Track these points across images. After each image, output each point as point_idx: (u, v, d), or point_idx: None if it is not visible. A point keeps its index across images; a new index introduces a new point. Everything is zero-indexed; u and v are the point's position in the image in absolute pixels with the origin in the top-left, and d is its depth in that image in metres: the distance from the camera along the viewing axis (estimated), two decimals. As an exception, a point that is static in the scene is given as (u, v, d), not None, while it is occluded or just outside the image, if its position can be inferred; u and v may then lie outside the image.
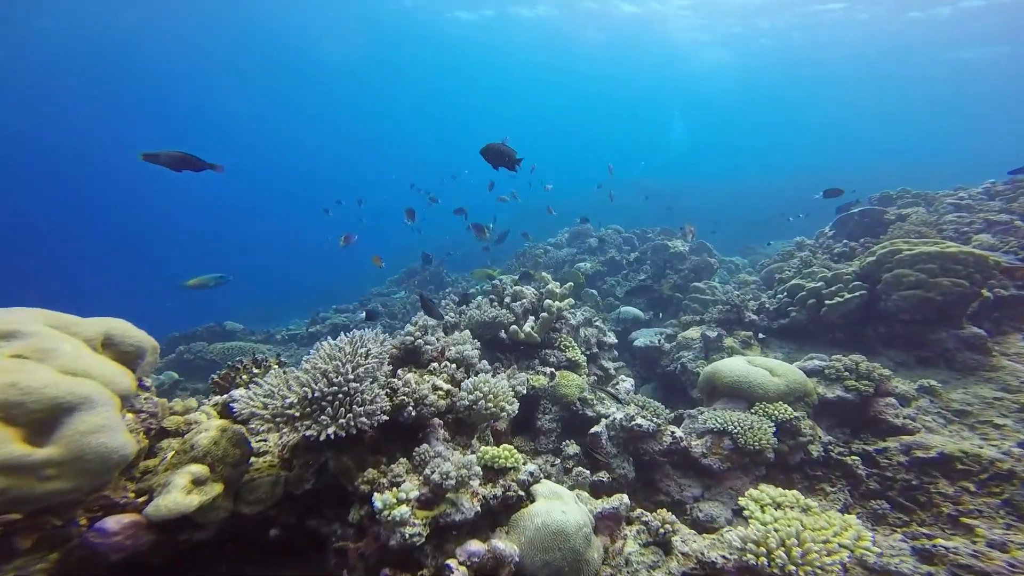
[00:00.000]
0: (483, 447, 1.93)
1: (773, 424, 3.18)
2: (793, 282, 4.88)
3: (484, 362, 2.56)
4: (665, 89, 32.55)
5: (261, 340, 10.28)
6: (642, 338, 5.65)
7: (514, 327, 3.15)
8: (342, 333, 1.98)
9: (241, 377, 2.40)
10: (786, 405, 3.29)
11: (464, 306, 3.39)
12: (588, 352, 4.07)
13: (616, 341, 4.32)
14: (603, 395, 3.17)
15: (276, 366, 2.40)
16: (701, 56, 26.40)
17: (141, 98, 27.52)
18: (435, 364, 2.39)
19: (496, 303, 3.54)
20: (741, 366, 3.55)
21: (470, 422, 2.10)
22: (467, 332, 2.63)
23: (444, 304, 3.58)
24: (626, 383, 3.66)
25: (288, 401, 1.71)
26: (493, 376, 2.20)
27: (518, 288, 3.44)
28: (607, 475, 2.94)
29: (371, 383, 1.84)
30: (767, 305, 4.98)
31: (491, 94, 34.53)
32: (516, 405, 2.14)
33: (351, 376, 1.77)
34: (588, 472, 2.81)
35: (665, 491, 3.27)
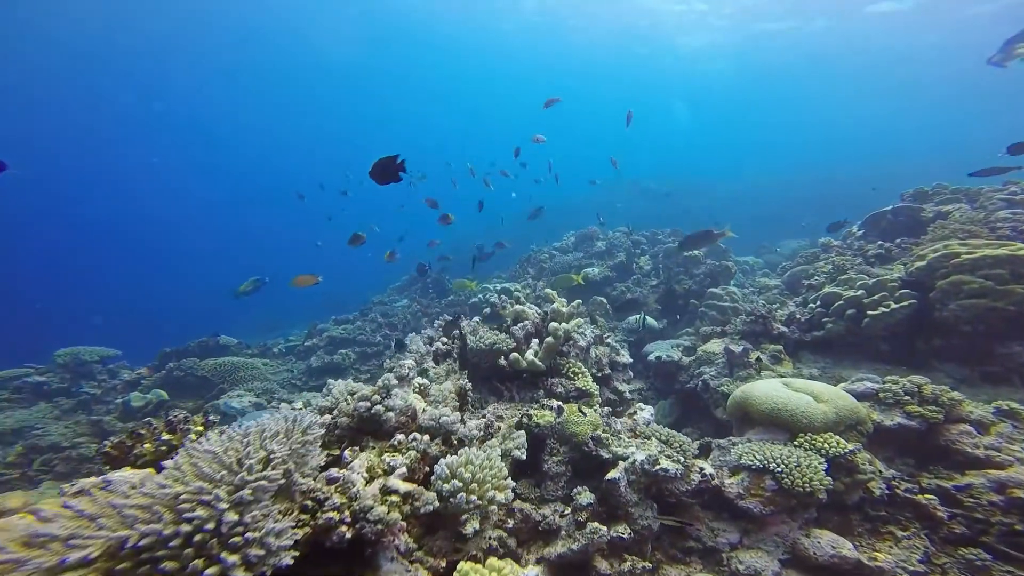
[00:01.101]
0: (463, 564, 1.40)
1: (823, 459, 2.69)
2: (827, 290, 4.37)
3: (472, 423, 1.98)
4: (661, 83, 31.89)
5: (256, 354, 9.92)
6: (658, 351, 5.17)
7: (514, 355, 2.69)
8: (262, 415, 1.43)
9: (143, 447, 1.81)
10: (837, 437, 2.80)
11: (456, 328, 2.95)
12: (600, 373, 3.61)
13: (631, 360, 3.85)
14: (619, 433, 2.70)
15: (196, 435, 1.87)
16: (695, 48, 25.80)
17: (132, 100, 27.25)
18: (401, 436, 1.88)
19: (495, 325, 3.09)
20: (779, 392, 3.06)
21: (447, 515, 1.63)
22: (448, 385, 2.13)
23: (436, 326, 3.14)
24: (644, 412, 3.19)
25: (71, 559, 0.94)
26: (482, 442, 1.73)
27: (519, 308, 2.99)
28: (627, 529, 2.47)
29: (268, 507, 1.22)
30: (797, 315, 4.47)
31: (483, 93, 34.13)
32: (511, 489, 1.63)
33: (225, 504, 1.11)
34: (605, 529, 2.33)
35: (695, 536, 2.79)
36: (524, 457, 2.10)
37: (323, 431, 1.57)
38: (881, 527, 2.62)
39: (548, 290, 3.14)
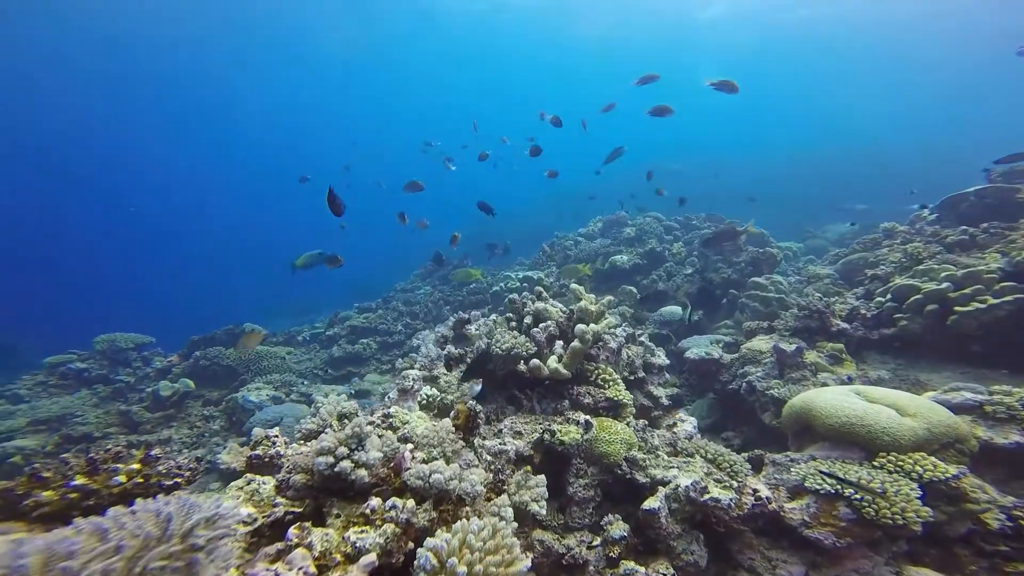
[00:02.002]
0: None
1: (916, 485, 2.23)
2: (900, 282, 3.77)
3: (474, 475, 1.50)
4: (682, 60, 29.85)
5: (281, 342, 10.01)
6: (696, 348, 4.69)
7: (535, 361, 2.33)
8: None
9: (41, 494, 1.33)
10: (932, 458, 2.31)
11: (468, 326, 2.61)
12: (632, 376, 3.21)
13: (667, 362, 3.42)
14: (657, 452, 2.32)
15: (128, 475, 1.44)
16: (716, 15, 23.81)
17: (152, 89, 27.69)
18: (376, 502, 1.38)
19: (514, 322, 2.73)
20: (852, 403, 2.58)
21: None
22: (446, 423, 1.65)
23: (449, 325, 2.82)
24: (686, 425, 2.79)
25: None
26: (490, 494, 1.36)
27: (540, 306, 2.61)
28: (668, 567, 2.10)
29: None
30: (861, 310, 3.89)
31: (494, 81, 33.08)
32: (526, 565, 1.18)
33: None
34: (643, 571, 1.98)
35: (747, 566, 2.40)
36: (543, 512, 1.74)
37: (247, 516, 1.20)
38: (1005, 566, 2.14)
39: (575, 286, 2.74)
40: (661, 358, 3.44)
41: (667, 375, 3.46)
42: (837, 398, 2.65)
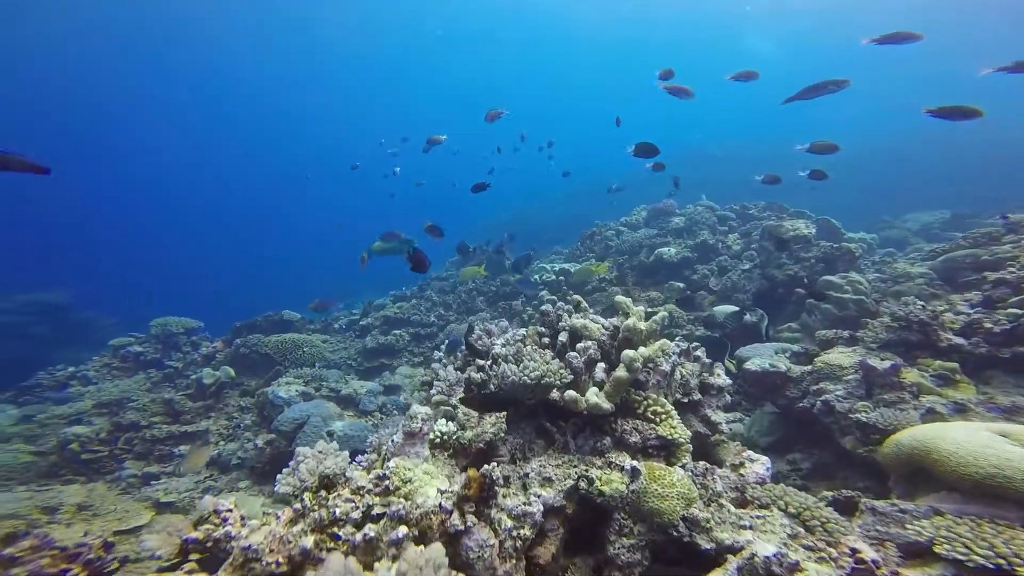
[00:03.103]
0: None
1: None
2: (1040, 288, 2.98)
3: None
4: (728, 37, 27.10)
5: (319, 329, 10.15)
6: (758, 360, 4.08)
7: (571, 393, 1.92)
8: None
9: None
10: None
11: (487, 337, 2.23)
12: (686, 399, 2.72)
13: (729, 382, 2.89)
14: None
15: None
16: None
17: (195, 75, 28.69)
18: None
19: (547, 338, 2.32)
20: (1000, 448, 1.97)
21: None
22: (438, 552, 1.15)
23: (472, 338, 2.44)
24: (757, 465, 2.28)
25: None
26: None
27: (579, 322, 2.17)
28: (737, 662, 1.67)
29: None
30: (986, 323, 3.13)
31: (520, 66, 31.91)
32: None
33: None
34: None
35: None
36: None
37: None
38: None
39: (621, 298, 2.28)
40: (722, 377, 2.92)
41: (728, 397, 2.93)
42: (975, 440, 2.04)
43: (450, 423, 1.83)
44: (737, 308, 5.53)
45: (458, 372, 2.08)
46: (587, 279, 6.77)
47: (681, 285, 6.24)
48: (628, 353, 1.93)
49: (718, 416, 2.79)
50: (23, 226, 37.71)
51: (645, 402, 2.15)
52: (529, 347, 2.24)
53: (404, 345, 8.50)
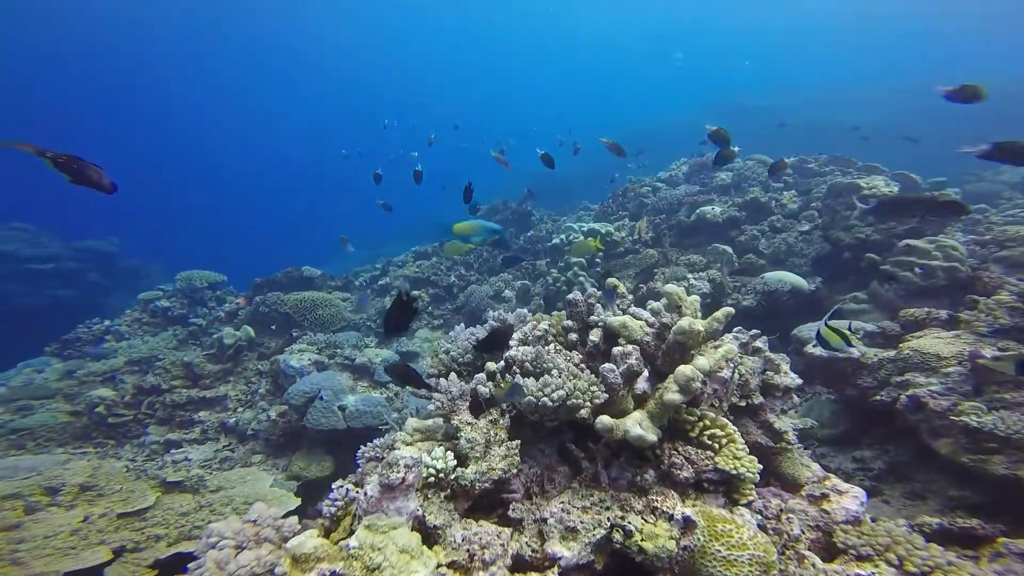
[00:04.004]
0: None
1: None
2: None
3: None
4: None
5: (339, 286, 9.97)
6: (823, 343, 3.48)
7: (605, 420, 1.45)
8: None
9: None
10: None
11: (490, 334, 1.75)
12: (745, 403, 2.23)
13: (799, 382, 2.36)
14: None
15: None
16: None
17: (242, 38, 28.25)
18: None
19: (574, 333, 1.82)
20: None
21: None
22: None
23: (478, 336, 1.98)
24: (847, 500, 1.81)
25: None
26: None
27: (616, 320, 1.66)
28: None
29: None
30: None
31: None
32: None
33: None
34: None
35: None
36: None
37: None
38: None
39: (671, 288, 1.73)
40: (789, 376, 2.38)
41: (796, 398, 2.41)
42: None
43: (448, 455, 1.42)
44: (793, 275, 4.83)
45: (462, 382, 1.65)
46: (585, 254, 6.02)
47: (728, 249, 5.50)
48: (684, 372, 1.42)
49: (784, 423, 2.28)
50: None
51: (700, 423, 1.66)
52: (552, 348, 1.76)
53: (423, 307, 8.22)
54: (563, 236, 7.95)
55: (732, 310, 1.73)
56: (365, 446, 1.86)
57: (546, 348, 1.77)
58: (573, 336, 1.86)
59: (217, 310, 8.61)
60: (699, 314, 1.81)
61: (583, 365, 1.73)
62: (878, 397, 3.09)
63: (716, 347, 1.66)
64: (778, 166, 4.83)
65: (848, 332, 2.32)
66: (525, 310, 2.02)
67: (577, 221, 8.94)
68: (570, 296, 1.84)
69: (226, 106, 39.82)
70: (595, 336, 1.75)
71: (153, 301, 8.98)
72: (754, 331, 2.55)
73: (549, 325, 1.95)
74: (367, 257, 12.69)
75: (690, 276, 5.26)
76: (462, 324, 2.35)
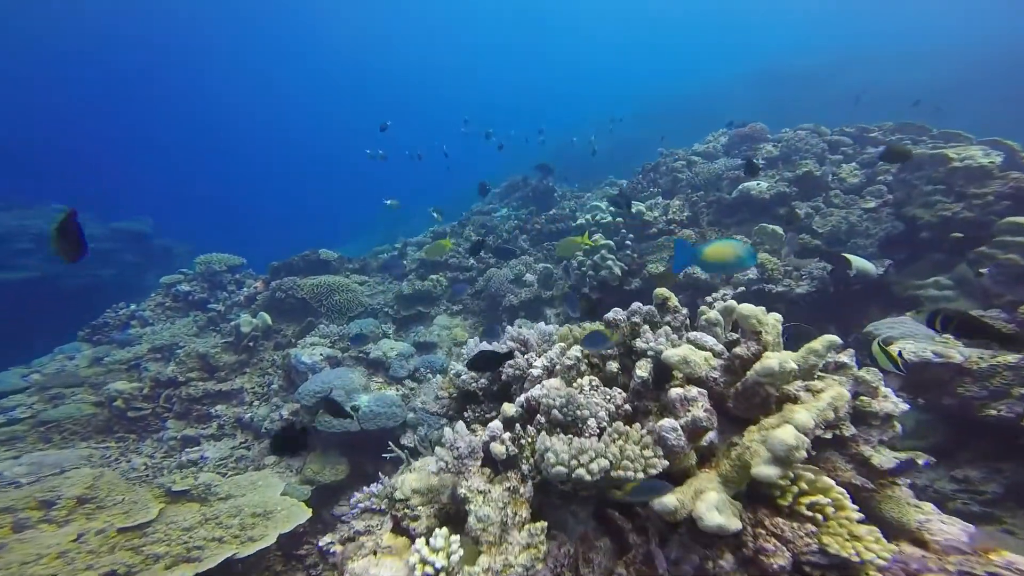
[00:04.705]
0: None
1: None
2: None
3: None
4: None
5: (356, 269, 9.75)
6: (913, 344, 2.93)
7: (669, 501, 1.03)
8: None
9: None
10: None
11: (520, 353, 1.34)
12: (831, 434, 1.78)
13: (906, 407, 1.88)
14: None
15: None
16: None
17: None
18: None
19: (613, 361, 1.39)
20: None
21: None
22: None
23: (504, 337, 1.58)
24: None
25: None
26: None
27: (676, 355, 1.21)
28: None
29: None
30: None
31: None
32: None
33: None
34: None
35: None
36: None
37: None
38: None
39: (746, 308, 1.27)
40: (890, 401, 1.90)
41: (899, 427, 1.93)
42: None
43: (453, 542, 1.05)
44: (859, 258, 4.19)
45: (471, 433, 1.26)
46: (569, 254, 5.31)
47: (778, 229, 4.85)
48: (784, 440, 0.98)
49: (884, 458, 1.82)
50: (104, 156, 41.01)
51: (795, 488, 1.22)
52: (585, 384, 1.34)
53: (442, 291, 7.90)
54: (587, 216, 7.38)
55: (836, 339, 1.27)
56: (359, 494, 1.52)
57: (578, 383, 1.35)
58: (613, 366, 1.43)
59: (236, 294, 8.53)
60: (781, 340, 1.35)
61: (628, 406, 1.31)
62: (992, 412, 2.56)
63: (817, 391, 1.20)
64: (897, 152, 3.87)
65: (898, 357, 2.08)
66: (552, 327, 1.60)
67: (601, 199, 8.31)
68: (609, 316, 1.40)
69: (268, 85, 40.14)
70: (643, 371, 1.31)
71: (175, 285, 8.97)
72: (837, 340, 2.05)
73: (580, 356, 1.51)
74: (384, 237, 12.45)
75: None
76: (476, 338, 1.94)
